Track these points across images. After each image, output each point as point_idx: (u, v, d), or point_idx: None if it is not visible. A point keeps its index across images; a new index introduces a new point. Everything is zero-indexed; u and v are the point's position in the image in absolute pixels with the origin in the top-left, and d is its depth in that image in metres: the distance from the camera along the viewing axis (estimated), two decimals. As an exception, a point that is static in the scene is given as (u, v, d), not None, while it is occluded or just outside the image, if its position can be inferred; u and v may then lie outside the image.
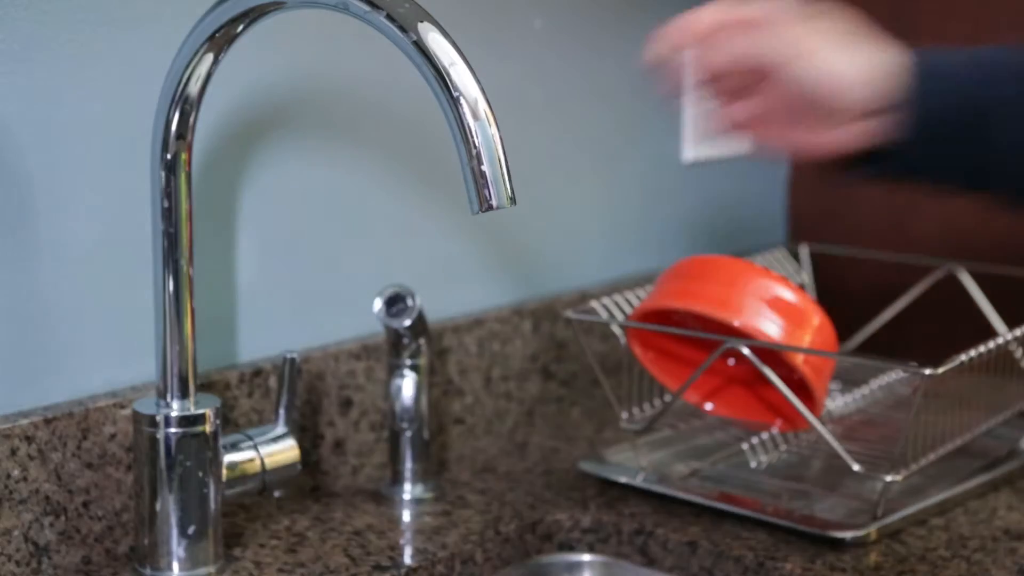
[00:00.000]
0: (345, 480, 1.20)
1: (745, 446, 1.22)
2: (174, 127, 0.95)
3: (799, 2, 0.90)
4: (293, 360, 1.06)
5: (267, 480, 1.04)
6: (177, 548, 0.99)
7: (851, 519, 1.10)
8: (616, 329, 1.22)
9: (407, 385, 1.15)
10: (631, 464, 1.21)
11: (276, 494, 1.06)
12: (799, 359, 1.12)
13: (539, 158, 1.37)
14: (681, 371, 1.20)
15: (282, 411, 1.06)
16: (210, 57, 0.93)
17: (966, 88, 0.89)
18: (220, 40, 0.93)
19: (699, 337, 1.17)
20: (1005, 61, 0.90)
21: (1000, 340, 1.16)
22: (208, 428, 0.99)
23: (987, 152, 0.89)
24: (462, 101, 0.82)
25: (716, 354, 1.12)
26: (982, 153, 0.89)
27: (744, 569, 1.06)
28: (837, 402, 1.33)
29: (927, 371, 1.05)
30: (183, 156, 0.96)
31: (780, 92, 0.89)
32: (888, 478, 1.09)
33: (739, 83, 0.91)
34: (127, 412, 1.03)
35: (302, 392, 1.15)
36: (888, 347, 1.45)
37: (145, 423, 0.98)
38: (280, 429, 1.06)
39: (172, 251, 0.97)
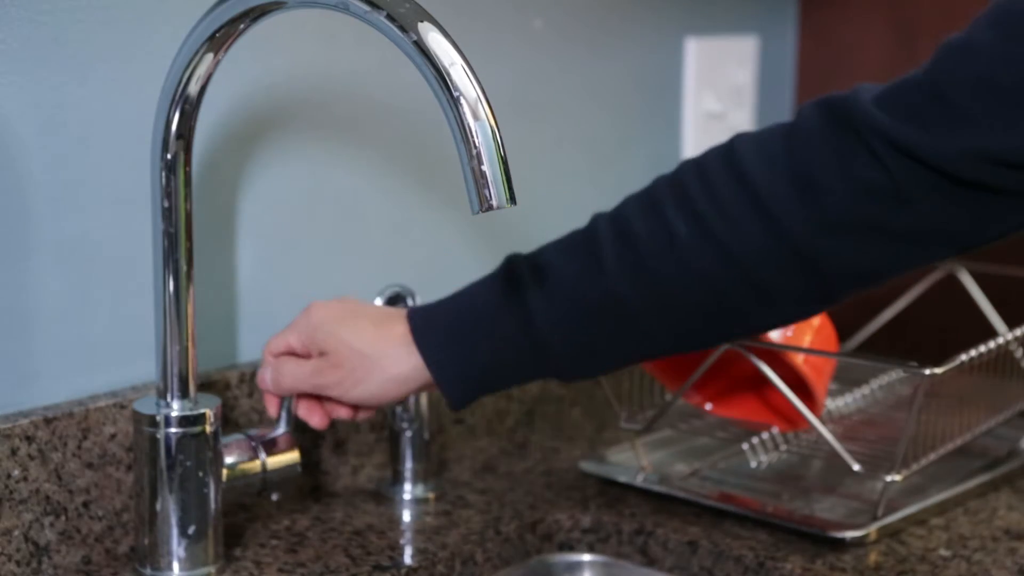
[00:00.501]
0: (345, 480, 1.20)
1: (745, 446, 1.22)
2: (174, 127, 0.95)
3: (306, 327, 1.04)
4: None
5: (267, 481, 1.04)
6: (177, 548, 0.99)
7: (851, 519, 1.10)
8: (616, 329, 1.22)
9: (407, 385, 1.15)
10: (631, 464, 1.21)
11: (273, 497, 1.06)
12: (799, 359, 1.12)
13: (539, 158, 1.37)
14: (681, 371, 1.20)
15: (284, 413, 1.06)
16: (210, 57, 0.93)
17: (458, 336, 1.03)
18: (220, 40, 0.93)
19: (699, 337, 1.17)
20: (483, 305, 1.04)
21: (1000, 340, 1.16)
22: (208, 428, 0.99)
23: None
24: (462, 101, 0.82)
25: (717, 354, 1.12)
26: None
27: (744, 569, 1.06)
28: (837, 402, 1.33)
29: (927, 371, 1.05)
30: (183, 156, 0.96)
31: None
32: (888, 478, 1.09)
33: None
34: (127, 412, 1.03)
35: (302, 392, 1.15)
36: (888, 347, 1.45)
37: (145, 423, 0.98)
38: (281, 429, 1.06)
39: (172, 251, 0.97)
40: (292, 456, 1.05)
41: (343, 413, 1.05)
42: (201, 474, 0.98)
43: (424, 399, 1.16)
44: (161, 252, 0.97)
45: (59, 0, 0.99)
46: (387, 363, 1.02)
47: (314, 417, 1.05)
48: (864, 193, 0.92)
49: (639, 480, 1.18)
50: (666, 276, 0.97)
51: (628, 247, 0.99)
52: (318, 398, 1.05)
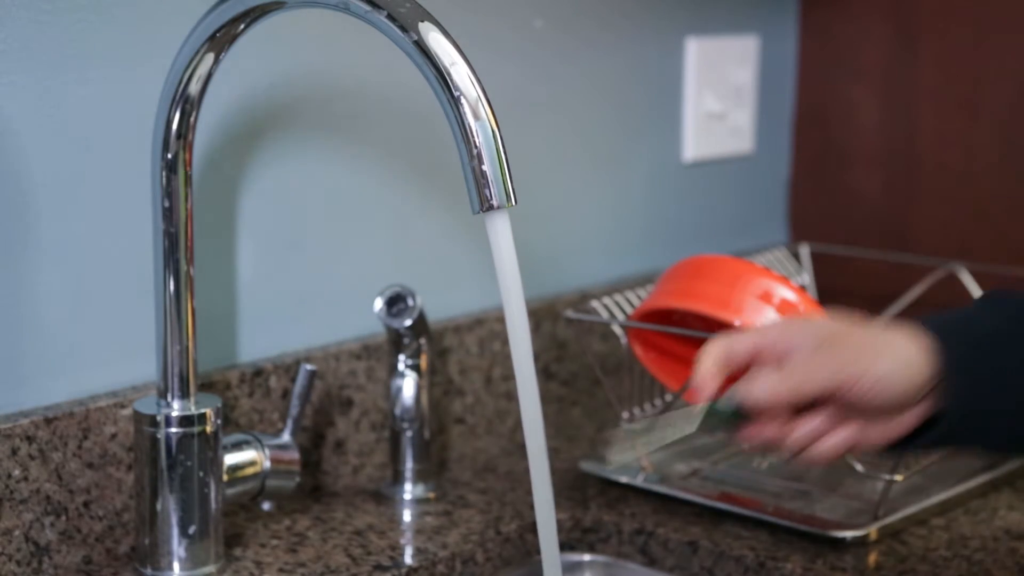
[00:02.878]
0: (346, 480, 1.20)
1: (746, 446, 1.22)
2: (174, 127, 0.95)
3: (801, 318, 0.88)
4: (313, 372, 1.06)
5: (266, 486, 1.04)
6: (178, 548, 0.99)
7: (852, 519, 1.10)
8: (617, 329, 1.22)
9: (408, 385, 1.15)
10: (632, 464, 1.21)
11: (265, 506, 1.06)
12: (800, 359, 1.11)
13: (540, 158, 1.37)
14: (682, 371, 1.20)
15: (291, 421, 1.06)
16: (211, 57, 0.93)
17: (990, 358, 0.87)
18: (221, 40, 0.93)
19: (700, 337, 1.17)
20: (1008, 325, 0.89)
21: (1001, 340, 1.16)
22: (209, 428, 0.99)
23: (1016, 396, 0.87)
24: (463, 101, 0.82)
25: (717, 354, 1.12)
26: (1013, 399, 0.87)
27: (745, 569, 1.06)
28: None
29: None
30: (183, 156, 0.96)
31: (841, 406, 0.87)
32: (889, 478, 1.09)
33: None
34: (128, 412, 1.03)
35: (303, 392, 1.16)
36: (888, 347, 1.45)
37: (146, 423, 0.98)
38: (286, 438, 1.06)
39: (172, 251, 0.97)
40: (293, 467, 1.06)
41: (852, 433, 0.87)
42: (202, 474, 0.98)
43: (424, 399, 1.16)
44: (161, 252, 0.97)
45: (60, 0, 0.99)
46: (897, 339, 0.86)
47: (832, 440, 0.87)
48: None
49: (639, 480, 1.18)
50: None
51: None
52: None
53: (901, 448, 0.89)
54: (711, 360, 0.86)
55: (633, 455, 0.81)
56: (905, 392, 0.85)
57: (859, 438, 0.88)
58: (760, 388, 0.84)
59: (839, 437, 0.87)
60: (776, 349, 0.86)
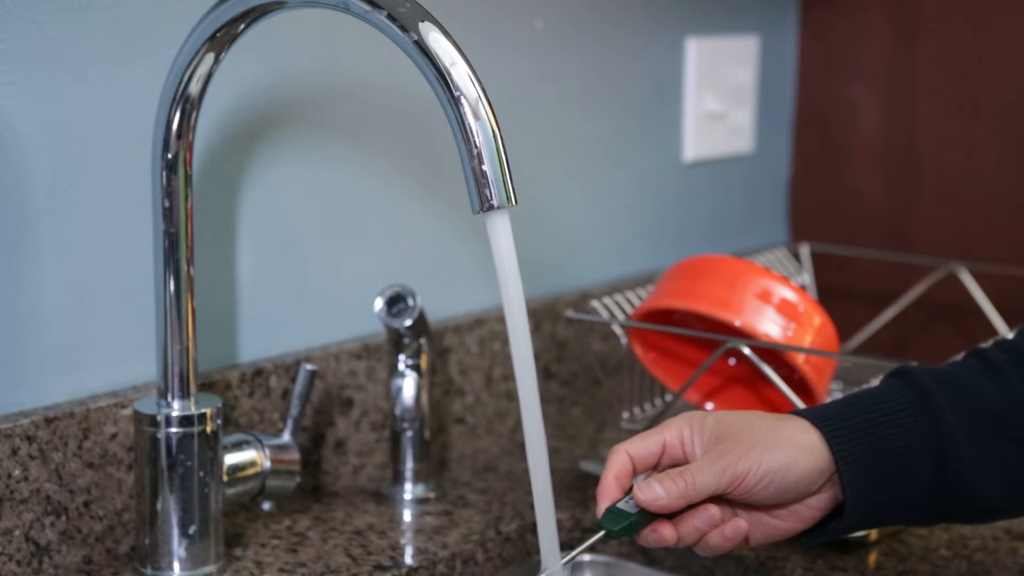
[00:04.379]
0: (346, 480, 1.20)
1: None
2: (175, 127, 0.95)
3: (686, 415, 0.90)
4: (313, 372, 1.06)
5: (266, 485, 1.04)
6: (178, 548, 0.99)
7: (852, 519, 1.10)
8: (617, 329, 1.22)
9: (408, 385, 1.15)
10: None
11: (265, 506, 1.06)
12: (800, 359, 1.12)
13: (540, 158, 1.37)
14: (682, 371, 1.20)
15: (291, 421, 1.06)
16: (211, 57, 0.93)
17: (875, 444, 0.88)
18: (221, 40, 0.93)
19: (700, 337, 1.17)
20: (897, 402, 0.89)
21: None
22: (209, 428, 0.99)
23: (914, 494, 0.88)
24: (463, 101, 0.82)
25: (717, 354, 1.12)
26: (912, 496, 0.88)
27: (745, 569, 1.06)
28: (838, 402, 1.33)
29: (928, 371, 1.05)
30: (184, 156, 0.96)
31: (734, 501, 0.89)
32: (889, 478, 1.09)
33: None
34: (128, 412, 1.03)
35: (303, 392, 1.16)
36: (888, 347, 1.45)
37: (146, 423, 0.98)
38: (287, 438, 1.06)
39: (172, 251, 0.97)
40: (294, 467, 1.06)
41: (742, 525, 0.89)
42: (202, 474, 0.98)
43: (425, 399, 1.16)
44: (161, 252, 0.97)
45: (59, 0, 0.99)
46: (794, 430, 0.88)
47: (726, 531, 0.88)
48: None
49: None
50: None
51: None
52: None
53: (812, 537, 0.91)
54: (612, 471, 0.89)
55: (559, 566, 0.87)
56: (798, 482, 0.86)
57: (757, 528, 0.89)
58: (649, 494, 0.86)
59: (730, 528, 0.88)
60: (675, 449, 0.89)
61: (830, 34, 1.61)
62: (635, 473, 0.90)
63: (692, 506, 0.87)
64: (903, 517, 0.90)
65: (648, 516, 0.87)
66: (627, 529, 0.87)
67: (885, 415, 0.88)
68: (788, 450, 0.87)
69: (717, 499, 0.88)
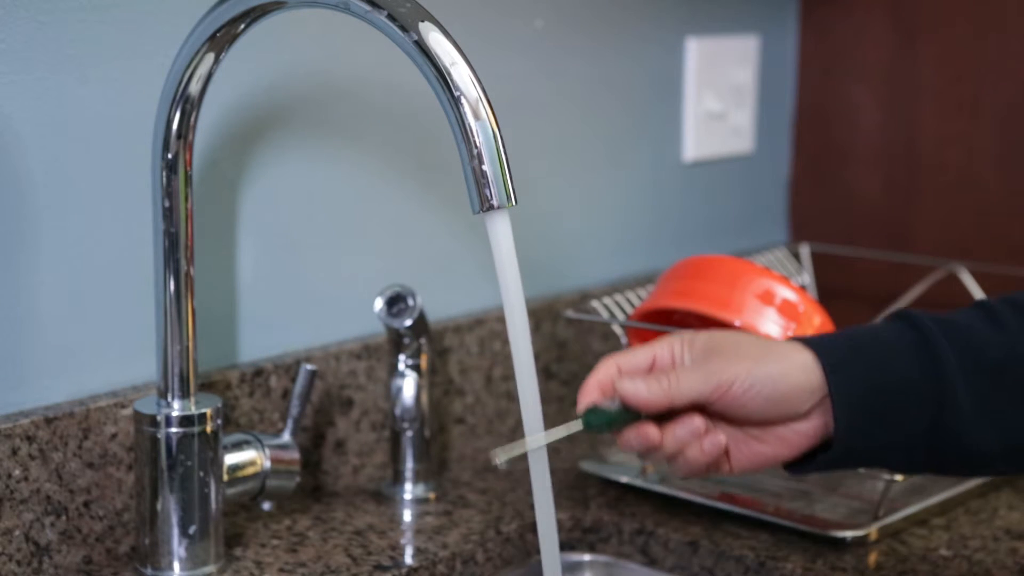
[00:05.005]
0: (346, 480, 1.20)
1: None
2: (175, 127, 0.95)
3: (686, 335, 0.89)
4: (313, 372, 1.06)
5: (266, 485, 1.04)
6: (178, 548, 0.99)
7: (852, 519, 1.10)
8: (617, 329, 1.22)
9: (408, 385, 1.15)
10: (632, 464, 1.21)
11: (265, 506, 1.06)
12: (800, 359, 1.11)
13: (540, 158, 1.37)
14: (682, 371, 1.20)
15: (291, 421, 1.06)
16: (211, 57, 0.93)
17: (872, 376, 0.87)
18: (221, 40, 0.93)
19: (700, 337, 1.17)
20: (897, 341, 0.88)
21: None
22: (209, 428, 0.99)
23: (909, 435, 0.87)
24: (463, 101, 0.82)
25: (717, 354, 1.12)
26: (905, 437, 0.87)
27: (745, 569, 1.06)
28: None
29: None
30: (183, 156, 0.96)
31: (717, 414, 0.88)
32: (889, 478, 1.09)
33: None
34: (128, 412, 1.03)
35: (303, 392, 1.16)
36: (888, 347, 1.45)
37: (146, 423, 0.98)
38: (287, 438, 1.06)
39: (172, 251, 0.97)
40: (294, 467, 1.05)
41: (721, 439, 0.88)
42: (202, 474, 0.98)
43: (425, 399, 1.16)
44: (161, 252, 0.97)
45: (60, 0, 0.99)
46: (787, 348, 0.87)
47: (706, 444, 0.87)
48: None
49: (640, 480, 1.18)
50: None
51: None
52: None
53: (795, 469, 0.90)
54: (597, 377, 0.89)
55: (521, 450, 0.84)
56: (786, 395, 0.86)
57: (742, 452, 0.88)
58: (630, 388, 0.86)
59: (708, 441, 0.88)
60: (664, 360, 0.88)
61: (830, 34, 1.61)
62: None
63: (676, 416, 0.87)
64: (891, 458, 0.88)
65: (631, 417, 0.86)
66: (607, 424, 0.86)
67: (884, 351, 0.87)
68: (779, 363, 0.86)
69: (704, 416, 0.87)
